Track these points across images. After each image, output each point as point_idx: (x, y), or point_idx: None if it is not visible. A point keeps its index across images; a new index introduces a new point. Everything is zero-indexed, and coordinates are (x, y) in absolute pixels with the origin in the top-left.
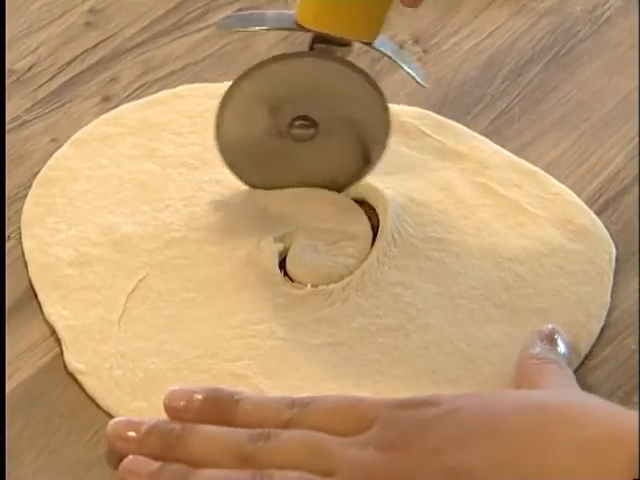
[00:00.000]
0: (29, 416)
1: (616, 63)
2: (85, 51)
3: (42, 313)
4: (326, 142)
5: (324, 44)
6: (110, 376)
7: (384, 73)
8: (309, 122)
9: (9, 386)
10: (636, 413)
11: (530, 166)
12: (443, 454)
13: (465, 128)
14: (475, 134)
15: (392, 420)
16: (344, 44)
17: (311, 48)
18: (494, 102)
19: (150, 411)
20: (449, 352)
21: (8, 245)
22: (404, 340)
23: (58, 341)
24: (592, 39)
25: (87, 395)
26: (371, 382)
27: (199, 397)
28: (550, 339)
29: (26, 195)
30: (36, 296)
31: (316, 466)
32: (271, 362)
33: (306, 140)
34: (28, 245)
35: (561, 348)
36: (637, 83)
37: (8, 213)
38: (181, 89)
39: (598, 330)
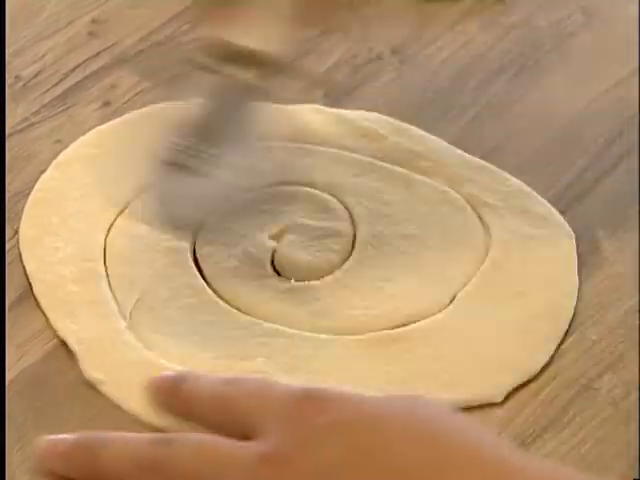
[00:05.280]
0: (33, 399)
1: (578, 74)
2: (88, 59)
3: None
4: None
5: None
6: (129, 382)
7: (364, 82)
8: None
9: (14, 372)
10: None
11: (481, 161)
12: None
13: (419, 130)
14: (428, 135)
15: (280, 424)
16: None
17: None
18: (465, 109)
19: None
20: (447, 338)
21: (15, 240)
22: (401, 330)
23: None
24: (556, 52)
25: (109, 401)
26: (383, 373)
27: (69, 441)
28: None
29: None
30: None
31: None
32: (285, 358)
33: None
34: (31, 266)
35: None
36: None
37: (17, 207)
38: (147, 109)
39: (573, 306)
